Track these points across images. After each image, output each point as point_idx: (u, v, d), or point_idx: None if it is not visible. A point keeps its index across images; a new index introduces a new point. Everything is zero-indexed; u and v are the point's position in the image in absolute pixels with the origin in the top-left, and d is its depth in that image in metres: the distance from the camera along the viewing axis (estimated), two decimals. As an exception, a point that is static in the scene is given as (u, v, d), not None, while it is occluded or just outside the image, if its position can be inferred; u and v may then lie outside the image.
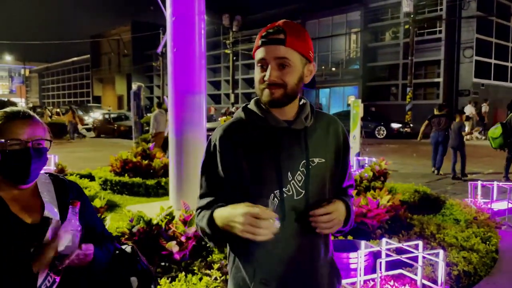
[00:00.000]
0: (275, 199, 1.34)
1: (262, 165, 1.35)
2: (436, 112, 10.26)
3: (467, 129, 12.24)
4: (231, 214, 1.24)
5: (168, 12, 5.41)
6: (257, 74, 1.36)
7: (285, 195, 1.34)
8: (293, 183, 1.35)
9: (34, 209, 1.45)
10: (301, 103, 1.44)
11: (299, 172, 1.36)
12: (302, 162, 1.36)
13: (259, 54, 1.34)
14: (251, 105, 1.43)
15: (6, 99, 43.76)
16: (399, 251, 3.35)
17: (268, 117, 1.38)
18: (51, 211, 1.46)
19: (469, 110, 19.87)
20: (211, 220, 1.32)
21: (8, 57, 73.76)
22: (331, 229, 1.34)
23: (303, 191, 1.36)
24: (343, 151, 1.47)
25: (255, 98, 1.45)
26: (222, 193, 1.39)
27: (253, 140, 1.37)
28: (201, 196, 1.45)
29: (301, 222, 1.34)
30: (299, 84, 1.37)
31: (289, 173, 1.35)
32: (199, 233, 1.44)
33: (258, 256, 1.36)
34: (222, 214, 1.29)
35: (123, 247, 1.72)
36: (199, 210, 1.43)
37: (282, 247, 1.34)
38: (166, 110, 9.99)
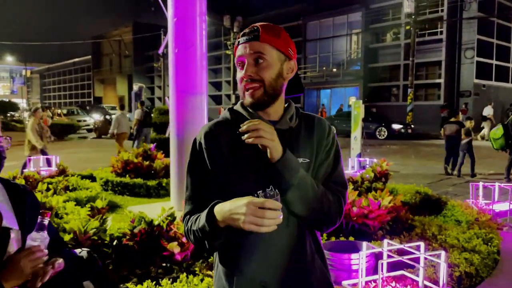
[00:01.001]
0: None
1: (245, 165, 1.34)
2: (452, 119, 10.81)
3: (486, 130, 12.91)
4: (234, 205, 1.20)
5: (169, 13, 5.41)
6: (238, 75, 1.37)
7: (268, 195, 1.30)
8: None
9: None
10: (286, 105, 1.44)
11: None
12: None
13: (237, 54, 1.36)
14: (237, 107, 1.44)
15: (7, 100, 43.80)
16: (401, 252, 3.35)
17: (253, 117, 1.37)
18: (10, 219, 1.38)
19: (488, 111, 20.03)
20: (210, 216, 1.26)
21: (9, 58, 73.91)
22: (257, 137, 1.23)
23: None
24: (329, 150, 1.42)
25: (241, 101, 1.45)
26: (208, 192, 1.36)
27: (237, 140, 1.33)
28: (187, 199, 1.42)
29: (285, 222, 1.30)
30: (277, 80, 1.36)
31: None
32: (189, 239, 1.38)
33: (240, 259, 1.34)
34: (224, 207, 1.23)
35: (78, 251, 1.68)
36: (187, 216, 1.39)
37: (264, 248, 1.32)
38: (167, 111, 10.09)
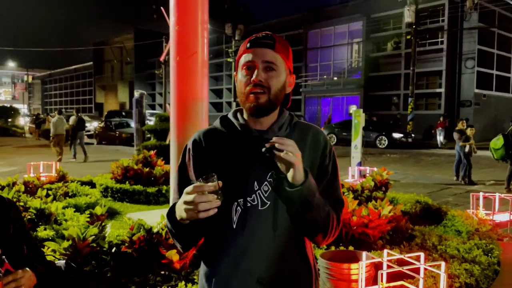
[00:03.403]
0: (238, 207, 1.32)
1: (229, 173, 1.32)
2: (460, 126, 11.23)
3: None
4: (180, 200, 1.24)
5: (171, 21, 5.43)
6: (242, 77, 1.35)
7: (248, 205, 1.32)
8: (259, 193, 1.33)
9: None
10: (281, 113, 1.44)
11: (266, 182, 1.33)
12: (270, 173, 1.33)
13: (247, 57, 1.34)
14: (230, 115, 1.44)
15: (9, 106, 43.90)
16: (401, 262, 3.33)
17: (241, 126, 1.38)
18: None
19: None
20: (171, 214, 1.30)
21: (11, 64, 74.21)
22: (287, 154, 1.20)
23: (268, 202, 1.32)
24: (327, 166, 1.40)
25: (235, 109, 1.45)
26: None
27: (223, 147, 1.37)
28: (173, 201, 1.44)
29: (265, 233, 1.31)
30: (282, 91, 1.37)
31: (255, 183, 1.33)
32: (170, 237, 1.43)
33: (217, 266, 1.35)
34: (177, 205, 1.28)
35: (56, 262, 1.66)
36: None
37: (243, 258, 1.32)
38: (168, 118, 10.11)
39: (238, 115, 1.43)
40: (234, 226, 1.32)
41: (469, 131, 10.42)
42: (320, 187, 1.34)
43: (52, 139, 14.47)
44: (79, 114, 15.64)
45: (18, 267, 1.39)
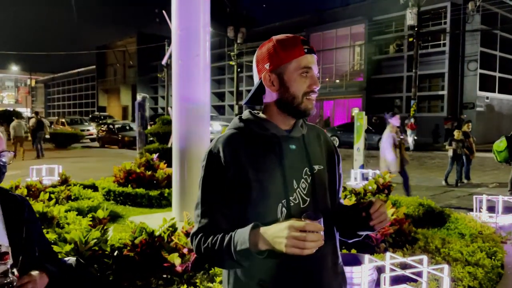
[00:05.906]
0: (283, 208, 1.30)
1: (268, 175, 1.31)
2: (465, 128, 11.22)
3: None
4: (276, 229, 1.15)
5: (174, 25, 5.45)
6: (300, 81, 1.33)
7: (292, 204, 1.31)
8: (298, 191, 1.33)
9: None
10: None
11: (303, 179, 1.35)
12: (305, 169, 1.36)
13: (305, 61, 1.33)
14: (246, 115, 1.41)
15: (12, 109, 44.01)
16: (404, 265, 3.31)
17: (268, 125, 1.37)
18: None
19: None
20: (254, 239, 1.18)
21: (14, 68, 74.51)
22: (384, 222, 1.33)
23: (308, 199, 1.34)
24: (335, 159, 1.49)
25: (247, 109, 1.45)
26: (227, 209, 1.30)
27: (255, 149, 1.33)
28: (201, 216, 1.33)
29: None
30: None
31: (294, 181, 1.33)
32: (204, 258, 1.30)
33: (264, 267, 1.29)
34: (267, 231, 1.17)
35: (67, 260, 1.66)
36: (200, 234, 1.30)
37: (289, 258, 1.28)
38: (170, 121, 10.12)
39: (257, 115, 1.41)
40: None
41: (456, 134, 10.50)
42: (340, 182, 1.49)
43: (12, 141, 16.07)
44: (38, 117, 17.66)
45: (29, 268, 1.40)
